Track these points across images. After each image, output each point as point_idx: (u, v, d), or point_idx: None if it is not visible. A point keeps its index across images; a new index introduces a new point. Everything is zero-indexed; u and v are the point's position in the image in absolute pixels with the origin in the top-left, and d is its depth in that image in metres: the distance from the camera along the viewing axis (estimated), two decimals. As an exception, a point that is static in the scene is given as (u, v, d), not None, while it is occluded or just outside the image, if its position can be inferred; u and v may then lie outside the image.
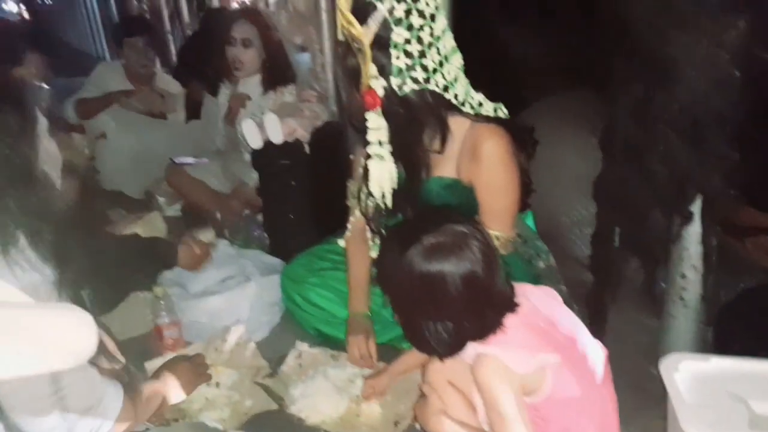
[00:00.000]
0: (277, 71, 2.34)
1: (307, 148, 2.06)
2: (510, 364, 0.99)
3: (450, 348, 1.04)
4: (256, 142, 1.98)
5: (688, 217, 1.27)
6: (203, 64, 2.84)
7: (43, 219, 1.08)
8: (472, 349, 1.03)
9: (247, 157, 2.26)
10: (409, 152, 1.40)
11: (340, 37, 1.31)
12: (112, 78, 3.00)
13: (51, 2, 13.53)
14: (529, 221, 1.66)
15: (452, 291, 0.98)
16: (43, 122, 1.09)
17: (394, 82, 1.28)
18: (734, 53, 1.08)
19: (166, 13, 5.32)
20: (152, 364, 1.57)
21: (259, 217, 2.31)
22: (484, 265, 0.98)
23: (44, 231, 1.09)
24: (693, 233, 1.33)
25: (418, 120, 1.34)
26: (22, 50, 2.73)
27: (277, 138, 1.96)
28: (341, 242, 1.67)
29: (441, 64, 1.30)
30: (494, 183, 1.39)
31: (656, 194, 1.28)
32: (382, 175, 1.38)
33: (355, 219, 1.60)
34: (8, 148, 1.00)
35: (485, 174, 1.38)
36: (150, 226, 2.25)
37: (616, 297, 1.56)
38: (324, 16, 2.68)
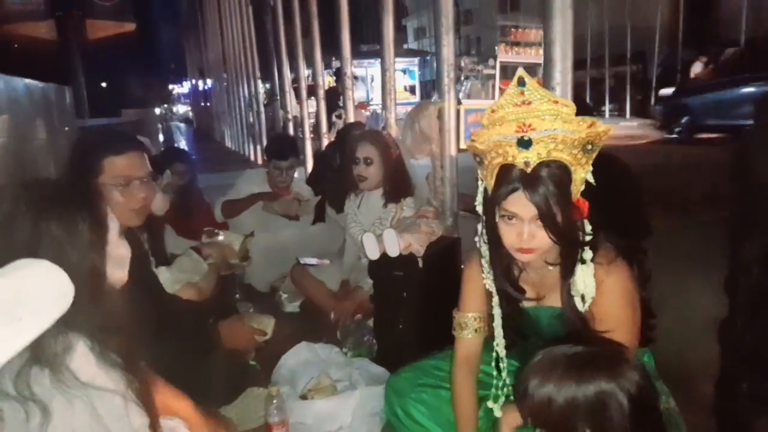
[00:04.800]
0: (397, 185, 2.54)
1: (420, 262, 2.16)
2: None
3: None
4: (373, 254, 2.12)
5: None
6: (334, 175, 3.14)
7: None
8: None
9: (365, 262, 2.41)
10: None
11: (531, 160, 1.27)
12: (255, 183, 3.39)
13: (208, 104, 15.72)
14: (648, 359, 1.59)
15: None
16: (114, 227, 1.10)
17: (589, 176, 1.31)
18: None
19: (308, 123, 5.98)
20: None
21: (370, 323, 2.41)
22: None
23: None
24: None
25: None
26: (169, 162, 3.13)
27: (394, 252, 2.09)
28: None
29: None
30: (614, 318, 1.34)
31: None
32: (591, 277, 1.37)
33: (464, 349, 1.61)
34: (80, 259, 0.97)
35: (605, 308, 1.35)
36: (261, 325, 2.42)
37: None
38: (446, 136, 2.89)
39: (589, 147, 1.27)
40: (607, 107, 11.48)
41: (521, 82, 1.28)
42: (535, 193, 1.27)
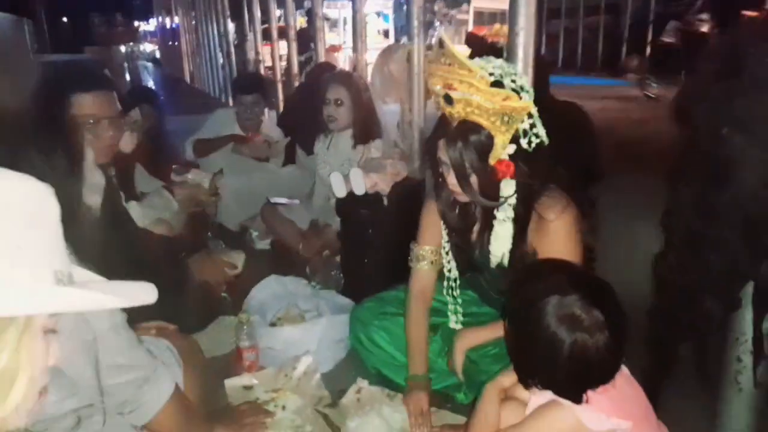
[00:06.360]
0: (366, 127, 2.59)
1: (385, 201, 2.26)
2: (584, 421, 1.11)
3: (539, 386, 1.16)
4: (340, 192, 2.20)
5: (735, 304, 1.30)
6: (304, 117, 3.17)
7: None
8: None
9: (333, 202, 2.50)
10: (525, 214, 1.47)
11: (455, 116, 1.36)
12: (225, 123, 3.39)
13: (177, 44, 15.14)
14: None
15: (561, 358, 1.08)
16: (90, 156, 1.21)
17: (524, 142, 1.38)
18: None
19: (279, 65, 5.88)
20: (231, 383, 1.78)
21: (338, 259, 2.52)
22: (602, 354, 1.08)
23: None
24: (749, 319, 1.35)
25: (538, 178, 1.43)
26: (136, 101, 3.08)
27: (360, 190, 2.17)
28: None
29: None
30: (559, 253, 1.44)
31: (708, 280, 1.32)
32: (506, 236, 1.48)
33: (420, 280, 1.72)
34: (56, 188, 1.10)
35: (550, 245, 1.45)
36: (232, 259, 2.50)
37: (670, 375, 1.57)
38: (415, 79, 2.92)
39: (506, 119, 1.33)
40: (579, 59, 11.50)
41: (441, 45, 1.35)
42: (450, 147, 1.37)
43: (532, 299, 1.11)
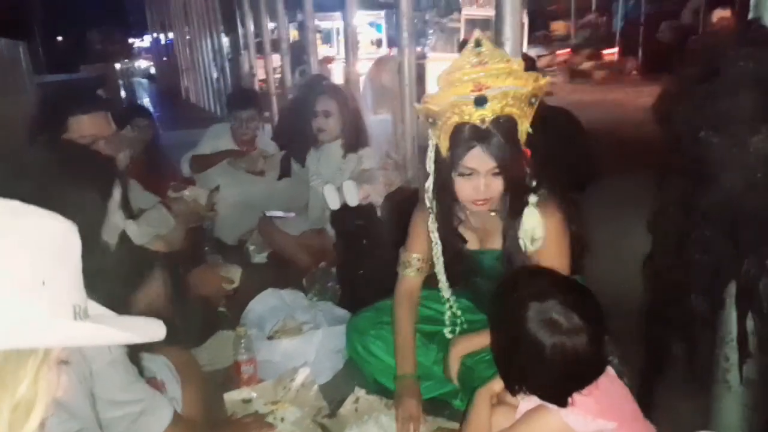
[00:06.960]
0: (355, 136, 2.64)
1: (379, 211, 2.29)
2: (571, 424, 1.13)
3: (526, 392, 1.19)
4: (334, 204, 2.24)
5: (719, 303, 1.33)
6: (297, 129, 3.20)
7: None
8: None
9: (329, 214, 2.52)
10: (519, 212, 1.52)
11: (487, 117, 1.38)
12: (220, 138, 3.41)
13: (171, 59, 15.24)
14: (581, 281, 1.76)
15: (543, 362, 1.11)
16: (116, 196, 1.26)
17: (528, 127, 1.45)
18: (760, 157, 1.17)
19: (272, 78, 5.94)
20: (230, 396, 1.80)
21: (334, 270, 2.54)
22: (582, 356, 1.11)
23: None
24: (734, 318, 1.38)
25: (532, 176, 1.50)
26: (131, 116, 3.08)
27: (353, 202, 2.20)
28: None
29: None
30: (549, 254, 1.51)
31: (694, 279, 1.35)
32: (538, 222, 1.50)
33: (406, 285, 1.76)
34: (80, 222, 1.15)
35: (542, 248, 1.51)
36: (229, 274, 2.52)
37: (661, 374, 1.60)
38: (407, 90, 2.96)
39: (533, 100, 1.41)
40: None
41: (478, 44, 1.40)
42: (493, 147, 1.40)
43: (513, 307, 1.15)
